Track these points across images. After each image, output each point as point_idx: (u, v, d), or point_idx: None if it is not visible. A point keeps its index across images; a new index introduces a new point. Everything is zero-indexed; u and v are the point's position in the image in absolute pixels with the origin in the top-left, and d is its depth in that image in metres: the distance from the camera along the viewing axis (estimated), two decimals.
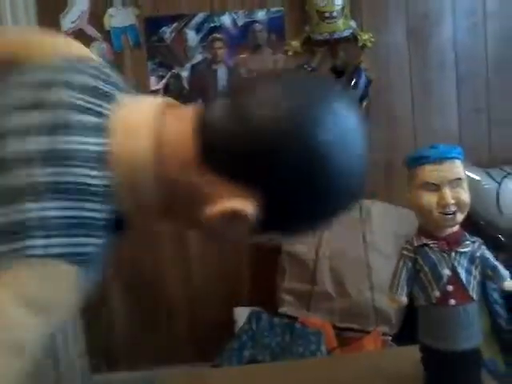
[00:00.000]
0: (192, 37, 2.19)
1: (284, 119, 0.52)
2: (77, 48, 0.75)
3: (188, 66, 2.20)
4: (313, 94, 0.56)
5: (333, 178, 0.53)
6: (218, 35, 2.18)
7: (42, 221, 0.47)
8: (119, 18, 2.20)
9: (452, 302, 0.88)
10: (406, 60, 2.17)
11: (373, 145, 2.20)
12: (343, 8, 2.04)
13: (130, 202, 0.55)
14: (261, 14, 2.17)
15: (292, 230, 0.60)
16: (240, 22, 2.18)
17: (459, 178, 0.94)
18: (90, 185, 0.51)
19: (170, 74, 2.21)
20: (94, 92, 0.58)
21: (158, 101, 0.61)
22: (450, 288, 0.89)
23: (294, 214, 0.56)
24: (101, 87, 0.59)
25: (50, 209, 0.48)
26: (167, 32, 2.19)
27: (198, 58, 2.20)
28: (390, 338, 1.80)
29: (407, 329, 1.68)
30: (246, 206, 0.53)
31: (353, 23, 2.09)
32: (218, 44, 2.19)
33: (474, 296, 0.89)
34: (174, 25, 2.19)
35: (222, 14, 2.17)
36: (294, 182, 0.53)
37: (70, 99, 0.55)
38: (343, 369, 1.05)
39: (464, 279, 0.89)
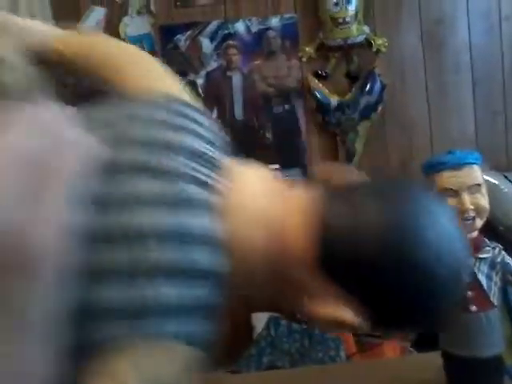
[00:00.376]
0: (206, 44, 2.21)
1: (413, 242, 0.51)
2: (176, 87, 0.64)
3: (203, 73, 2.22)
4: (431, 212, 0.55)
5: (440, 293, 0.53)
6: (232, 42, 2.20)
7: (159, 303, 0.45)
8: (134, 26, 2.23)
9: (473, 308, 0.88)
10: (421, 64, 2.16)
11: (389, 149, 2.20)
12: (356, 14, 2.04)
13: (238, 286, 0.53)
14: (274, 21, 2.18)
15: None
16: (254, 29, 2.19)
17: (478, 184, 0.93)
18: (205, 269, 0.48)
19: (185, 81, 2.23)
20: (203, 159, 0.52)
21: (269, 176, 0.57)
22: (471, 294, 0.89)
23: (398, 321, 0.56)
24: (207, 152, 0.53)
25: (167, 291, 0.46)
26: (182, 40, 2.21)
27: (213, 65, 2.22)
28: (410, 343, 1.79)
29: (426, 335, 1.67)
30: (349, 314, 0.51)
31: (366, 28, 2.10)
32: (232, 51, 2.21)
33: (495, 302, 0.89)
34: (189, 32, 2.21)
35: (235, 22, 2.19)
36: (410, 298, 0.52)
37: (184, 168, 0.50)
38: (363, 375, 1.04)
39: (485, 285, 0.89)
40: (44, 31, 0.64)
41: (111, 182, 0.46)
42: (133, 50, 0.69)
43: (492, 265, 0.90)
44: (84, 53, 0.65)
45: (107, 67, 0.62)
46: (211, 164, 0.52)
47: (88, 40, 0.69)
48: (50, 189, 0.40)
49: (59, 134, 0.43)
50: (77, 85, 0.60)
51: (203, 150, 0.52)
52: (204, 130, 0.55)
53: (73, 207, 0.41)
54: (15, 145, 0.39)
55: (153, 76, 0.64)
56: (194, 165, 0.50)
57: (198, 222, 0.48)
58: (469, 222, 0.92)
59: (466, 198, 0.91)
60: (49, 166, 0.41)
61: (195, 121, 0.56)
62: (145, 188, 0.47)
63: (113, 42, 0.69)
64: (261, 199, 0.54)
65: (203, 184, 0.50)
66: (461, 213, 0.93)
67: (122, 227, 0.45)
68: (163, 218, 0.46)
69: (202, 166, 0.51)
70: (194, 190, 0.49)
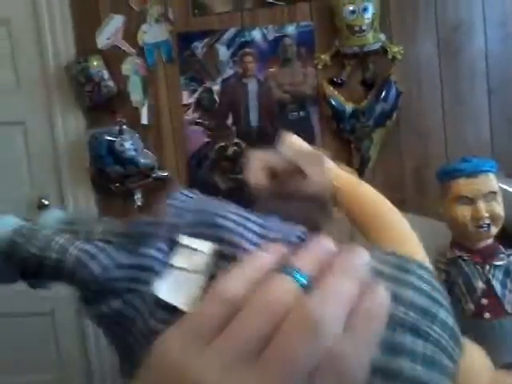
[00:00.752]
0: (223, 52, 2.24)
1: None
2: (422, 253, 0.65)
3: (219, 80, 2.25)
4: None
5: None
6: (248, 50, 2.22)
7: None
8: (152, 33, 2.26)
9: (487, 315, 0.88)
10: (437, 71, 2.16)
11: (403, 157, 2.20)
12: (372, 21, 2.05)
13: None
14: (290, 29, 2.20)
15: None
16: (270, 37, 2.21)
17: (493, 192, 0.94)
18: None
19: (202, 88, 2.26)
20: (450, 330, 0.56)
21: (483, 354, 0.63)
22: (485, 301, 0.89)
23: None
24: (452, 324, 0.57)
25: None
26: (199, 47, 2.24)
27: (229, 72, 2.24)
28: None
29: None
30: None
31: (382, 36, 2.10)
32: (248, 58, 2.23)
33: (510, 310, 0.89)
34: (206, 40, 2.24)
35: (252, 29, 2.21)
36: None
37: (440, 337, 0.54)
38: None
39: (499, 292, 0.89)
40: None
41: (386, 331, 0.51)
42: (386, 205, 0.72)
43: (507, 272, 0.90)
44: (347, 192, 0.68)
45: (360, 213, 0.65)
46: (455, 337, 0.57)
47: (350, 181, 0.72)
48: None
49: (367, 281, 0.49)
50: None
51: (449, 322, 0.57)
52: (447, 303, 0.60)
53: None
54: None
55: (402, 236, 0.67)
56: (444, 335, 0.55)
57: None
58: (484, 229, 0.92)
59: (482, 206, 0.92)
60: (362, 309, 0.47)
61: (439, 292, 0.60)
62: (410, 344, 0.52)
63: (370, 191, 0.71)
64: (482, 377, 0.60)
65: (450, 355, 0.55)
66: (476, 220, 0.94)
67: (388, 369, 0.50)
68: (418, 372, 0.52)
69: (449, 336, 0.55)
70: (445, 359, 0.54)
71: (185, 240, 0.40)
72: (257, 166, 0.61)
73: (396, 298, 0.50)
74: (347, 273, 0.35)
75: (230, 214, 0.43)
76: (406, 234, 0.66)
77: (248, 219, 0.43)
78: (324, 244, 0.37)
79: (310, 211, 0.57)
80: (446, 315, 0.53)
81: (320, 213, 0.58)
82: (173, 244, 0.40)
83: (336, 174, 0.69)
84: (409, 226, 0.66)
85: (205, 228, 0.42)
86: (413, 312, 0.50)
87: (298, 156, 0.59)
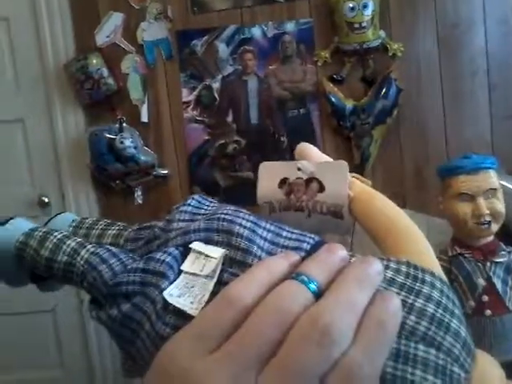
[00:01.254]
0: (223, 49, 2.23)
1: None
2: (437, 266, 0.69)
3: (219, 77, 2.24)
4: None
5: None
6: (248, 47, 2.22)
7: None
8: (151, 31, 2.26)
9: (488, 312, 0.88)
10: (437, 68, 2.16)
11: (403, 154, 2.20)
12: (372, 18, 2.05)
13: None
14: (290, 26, 2.19)
15: None
16: (270, 34, 2.21)
17: (494, 188, 0.94)
18: None
19: (201, 85, 2.25)
20: (466, 344, 0.58)
21: (499, 373, 0.62)
22: (486, 298, 0.89)
23: None
24: (467, 337, 0.59)
25: None
26: (198, 45, 2.24)
27: (229, 69, 2.24)
28: None
29: None
30: None
31: (382, 33, 2.10)
32: (248, 55, 2.23)
33: (511, 307, 0.89)
34: (205, 37, 2.24)
35: (252, 26, 2.21)
36: None
37: (459, 354, 0.55)
38: None
39: (500, 289, 0.89)
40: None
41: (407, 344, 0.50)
42: (402, 217, 0.70)
43: (508, 269, 0.90)
44: (361, 201, 0.67)
45: (375, 225, 0.64)
46: (467, 347, 0.56)
47: (364, 189, 0.71)
48: None
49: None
50: None
51: (462, 332, 0.56)
52: (460, 313, 0.59)
53: None
54: None
55: (418, 248, 0.65)
56: (457, 345, 0.54)
57: None
58: (485, 226, 0.93)
59: (482, 203, 0.92)
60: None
61: (453, 301, 0.59)
62: (422, 354, 0.50)
63: (386, 201, 0.71)
64: None
65: (462, 365, 0.53)
66: (477, 217, 0.94)
67: (399, 378, 0.48)
68: (429, 382, 0.50)
69: (462, 346, 0.54)
70: (457, 369, 0.52)
71: (196, 246, 0.40)
72: (270, 177, 0.59)
73: (408, 307, 0.49)
74: (359, 281, 0.35)
75: (242, 219, 0.43)
76: (422, 246, 0.65)
77: (259, 225, 0.43)
78: (337, 252, 0.37)
79: (327, 224, 0.56)
80: (459, 325, 0.52)
81: (338, 226, 0.57)
82: (185, 249, 0.40)
83: (350, 181, 0.68)
84: (425, 240, 0.65)
85: (216, 234, 0.41)
86: (425, 321, 0.49)
87: (315, 167, 0.57)
